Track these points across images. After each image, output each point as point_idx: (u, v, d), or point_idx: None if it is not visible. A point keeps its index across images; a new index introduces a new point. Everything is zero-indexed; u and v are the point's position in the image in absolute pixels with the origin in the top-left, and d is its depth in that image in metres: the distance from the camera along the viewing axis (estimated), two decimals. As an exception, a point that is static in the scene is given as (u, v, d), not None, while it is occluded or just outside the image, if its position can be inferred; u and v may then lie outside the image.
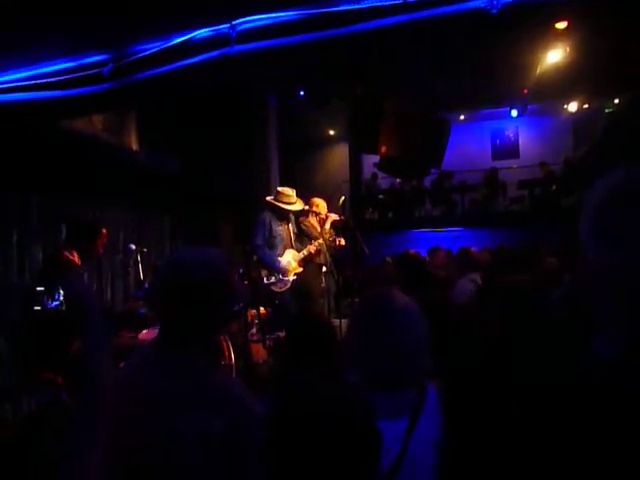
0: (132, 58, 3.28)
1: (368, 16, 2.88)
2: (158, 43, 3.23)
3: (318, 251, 4.64)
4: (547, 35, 5.10)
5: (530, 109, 10.36)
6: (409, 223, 10.89)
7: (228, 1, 3.19)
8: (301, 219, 4.80)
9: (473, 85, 8.17)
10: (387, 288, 1.41)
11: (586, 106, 9.99)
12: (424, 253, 4.79)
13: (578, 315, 1.54)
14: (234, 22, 3.06)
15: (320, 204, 4.79)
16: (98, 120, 5.67)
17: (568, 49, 6.33)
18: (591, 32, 4.97)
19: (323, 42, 3.02)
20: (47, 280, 2.57)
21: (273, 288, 4.49)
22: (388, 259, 5.37)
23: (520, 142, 12.28)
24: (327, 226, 4.73)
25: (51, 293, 2.46)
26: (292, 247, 4.59)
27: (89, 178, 5.10)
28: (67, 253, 2.70)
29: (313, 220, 4.75)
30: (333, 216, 4.78)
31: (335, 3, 2.91)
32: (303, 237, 4.76)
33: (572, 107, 10.03)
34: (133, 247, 4.68)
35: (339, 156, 12.00)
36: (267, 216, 4.48)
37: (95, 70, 3.34)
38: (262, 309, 4.30)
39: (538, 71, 7.27)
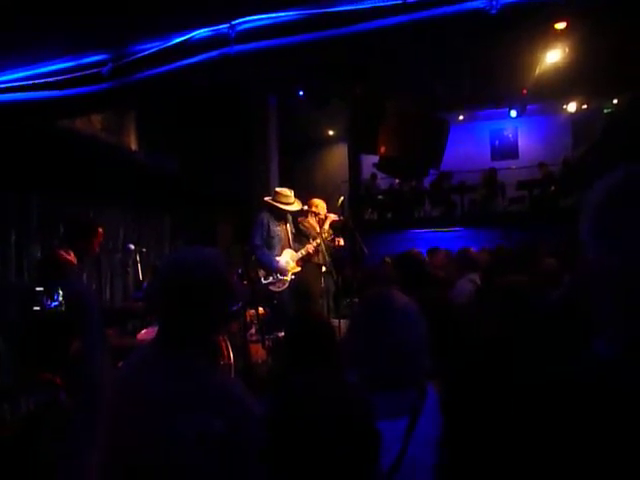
0: (131, 58, 3.28)
1: (368, 16, 2.88)
2: (157, 43, 3.23)
3: (316, 251, 4.64)
4: (546, 35, 5.11)
5: (529, 109, 10.36)
6: (408, 223, 10.89)
7: (228, 1, 3.19)
8: (300, 219, 4.80)
9: (472, 85, 8.18)
10: (386, 288, 1.41)
11: (585, 106, 10.00)
12: (424, 253, 4.79)
13: (577, 315, 1.54)
14: (234, 22, 3.06)
15: (319, 204, 4.79)
16: (97, 120, 5.66)
17: (567, 49, 6.34)
18: (590, 32, 4.98)
19: (323, 42, 3.02)
20: (44, 280, 2.57)
21: (271, 288, 4.49)
22: (387, 259, 5.37)
23: (519, 142, 12.29)
24: (326, 226, 4.73)
25: (50, 293, 2.46)
26: (290, 247, 4.59)
27: (88, 178, 5.10)
28: (63, 252, 2.69)
29: (312, 220, 4.75)
30: (332, 216, 4.78)
31: (335, 3, 2.91)
32: (302, 237, 4.76)
33: (571, 107, 10.04)
34: (132, 247, 4.68)
35: (338, 156, 12.01)
36: (265, 216, 4.49)
37: (94, 70, 3.34)
38: (261, 309, 4.30)
39: (537, 71, 7.27)
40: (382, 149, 4.89)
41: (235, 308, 3.81)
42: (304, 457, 0.79)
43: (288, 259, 4.54)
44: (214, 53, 3.13)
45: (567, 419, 0.60)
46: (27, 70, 3.42)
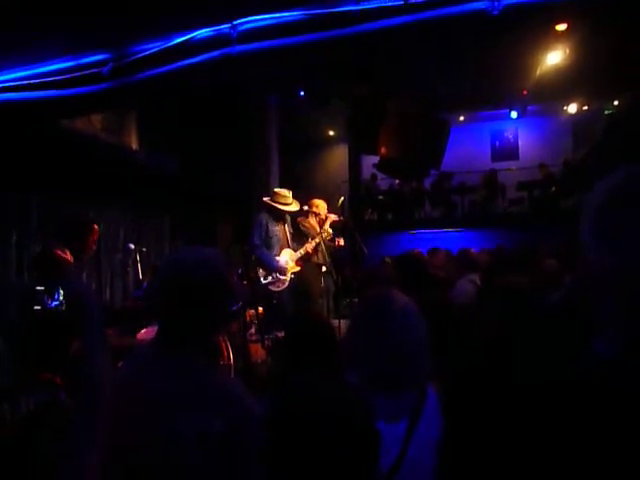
0: (132, 58, 3.28)
1: (370, 17, 2.88)
2: (158, 43, 3.23)
3: (316, 250, 4.65)
4: (547, 37, 5.11)
5: (530, 110, 10.36)
6: (408, 224, 10.89)
7: (229, 1, 3.19)
8: (300, 219, 4.80)
9: (473, 86, 8.19)
10: (386, 289, 1.41)
11: (586, 108, 10.00)
12: (424, 254, 4.78)
13: (577, 316, 1.54)
14: (235, 22, 3.07)
15: (320, 205, 4.80)
16: (98, 120, 5.67)
17: (568, 51, 6.35)
18: (591, 34, 4.98)
19: (324, 42, 3.02)
20: (41, 279, 2.57)
21: (271, 288, 4.50)
22: (387, 259, 5.37)
23: (519, 143, 12.29)
24: (326, 226, 4.74)
25: (50, 292, 2.46)
26: (289, 247, 4.62)
27: (88, 178, 5.10)
28: (59, 251, 2.69)
29: (313, 220, 4.76)
30: (333, 217, 4.79)
31: (336, 4, 2.92)
32: (302, 237, 4.77)
33: (572, 109, 10.04)
34: (132, 247, 4.69)
35: (339, 157, 12.01)
36: (264, 217, 4.53)
37: (95, 70, 3.34)
38: (260, 309, 4.31)
39: (538, 72, 7.28)
40: (382, 150, 4.89)
41: (235, 308, 3.81)
42: (304, 457, 0.79)
43: (287, 259, 4.56)
44: (215, 53, 3.14)
45: (567, 419, 0.60)
46: (27, 70, 3.43)
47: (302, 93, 6.63)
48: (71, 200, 5.24)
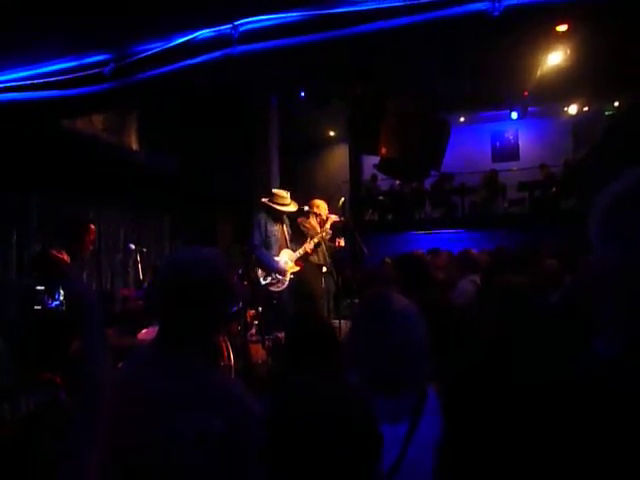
0: (134, 58, 3.29)
1: (370, 18, 2.88)
2: (160, 43, 3.23)
3: (316, 250, 4.66)
4: (548, 37, 5.11)
5: (530, 111, 10.36)
6: (409, 225, 10.89)
7: (230, 1, 3.19)
8: (301, 220, 4.81)
9: (473, 87, 8.18)
10: (386, 289, 1.41)
11: (586, 109, 10.00)
12: (426, 255, 4.79)
13: (577, 316, 1.54)
14: (236, 23, 3.07)
15: (321, 205, 4.80)
16: (98, 120, 5.67)
17: (568, 52, 6.35)
18: (591, 35, 4.97)
19: (325, 43, 3.02)
20: (40, 279, 2.57)
21: (271, 288, 4.52)
22: (387, 260, 5.37)
23: (520, 144, 12.29)
24: (327, 227, 4.75)
25: (51, 292, 2.46)
26: (287, 247, 4.64)
27: (89, 178, 5.11)
28: (56, 252, 2.70)
29: (313, 221, 4.77)
30: (333, 217, 4.80)
31: (337, 5, 2.92)
32: (302, 238, 4.78)
33: (572, 109, 10.04)
34: (133, 247, 4.69)
35: (339, 157, 12.01)
36: (262, 217, 4.57)
37: (96, 70, 3.35)
38: (260, 309, 4.32)
39: (538, 73, 7.28)
40: (383, 150, 4.89)
41: (235, 309, 3.81)
42: (304, 457, 0.79)
43: (287, 259, 4.58)
44: (217, 54, 3.14)
45: (567, 419, 0.60)
46: (29, 70, 3.43)
47: (302, 93, 6.63)
48: (71, 200, 5.24)
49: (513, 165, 11.63)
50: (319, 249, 4.69)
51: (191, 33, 3.16)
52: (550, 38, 5.18)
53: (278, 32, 3.02)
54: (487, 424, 1.12)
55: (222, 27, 3.11)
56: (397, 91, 5.98)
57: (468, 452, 1.14)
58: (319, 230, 4.70)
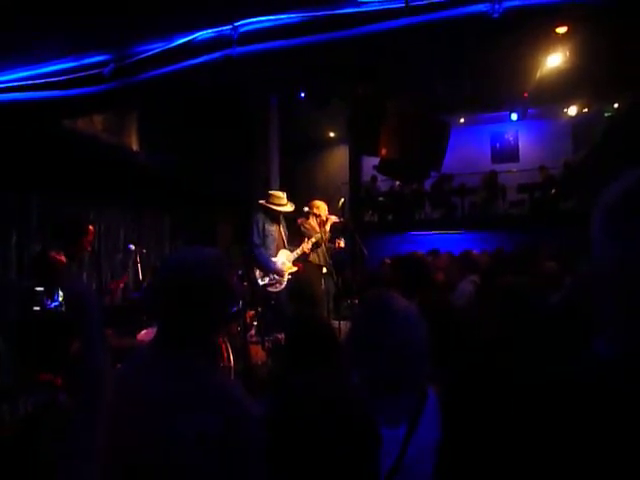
0: (133, 59, 3.29)
1: (370, 19, 2.89)
2: (160, 44, 3.24)
3: (316, 251, 4.67)
4: (547, 39, 5.12)
5: (530, 113, 10.38)
6: (408, 226, 10.89)
7: (230, 2, 3.20)
8: (301, 220, 4.82)
9: (473, 88, 8.19)
10: (386, 290, 1.41)
11: (586, 110, 10.01)
12: (426, 256, 4.79)
13: (577, 317, 1.54)
14: (236, 24, 3.08)
15: (321, 206, 4.81)
16: (99, 121, 5.67)
17: (568, 53, 6.36)
18: (591, 36, 4.99)
19: (324, 44, 3.03)
20: (40, 281, 2.57)
21: (269, 289, 4.53)
22: (387, 261, 5.37)
23: (520, 145, 12.30)
24: (327, 227, 4.75)
25: (50, 293, 2.46)
26: (285, 247, 4.66)
27: (89, 178, 5.11)
28: (54, 253, 2.70)
29: (313, 222, 4.77)
30: (333, 218, 4.80)
31: (337, 6, 2.92)
32: (301, 238, 4.79)
33: (572, 111, 10.05)
34: (132, 247, 4.69)
35: (339, 158, 12.01)
36: (260, 217, 4.63)
37: (96, 70, 3.35)
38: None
39: (538, 75, 7.29)
40: (383, 151, 4.90)
41: (235, 309, 3.81)
42: (304, 457, 0.79)
43: (284, 260, 4.61)
44: (216, 54, 3.15)
45: (567, 419, 0.60)
46: (29, 70, 3.43)
47: (302, 94, 6.64)
48: (71, 200, 5.24)
49: (513, 166, 11.64)
50: (319, 250, 4.69)
51: (191, 34, 3.16)
52: (550, 40, 5.20)
53: (277, 33, 3.03)
54: (487, 425, 1.12)
55: (222, 28, 3.12)
56: (398, 92, 5.99)
57: (467, 453, 1.14)
58: (319, 231, 4.71)
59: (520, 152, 12.23)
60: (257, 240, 4.54)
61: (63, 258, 2.72)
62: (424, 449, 1.15)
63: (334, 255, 4.86)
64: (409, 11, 2.79)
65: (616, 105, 9.48)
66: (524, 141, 12.21)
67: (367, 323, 1.29)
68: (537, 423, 0.62)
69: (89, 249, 3.04)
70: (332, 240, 4.85)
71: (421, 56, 4.73)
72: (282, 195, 4.67)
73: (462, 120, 11.05)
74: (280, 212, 4.63)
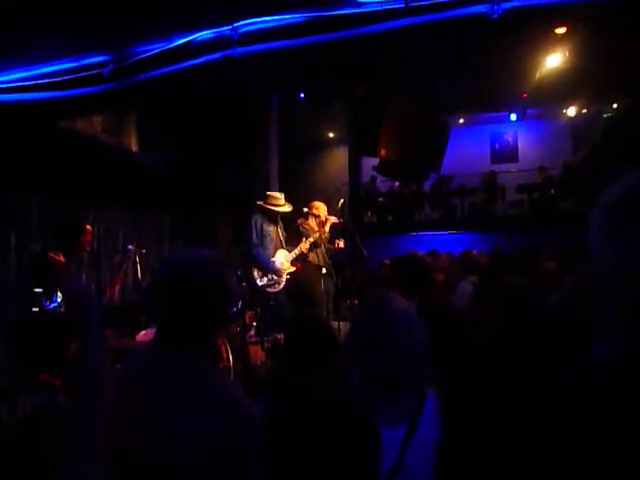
0: (133, 59, 3.29)
1: (370, 20, 2.89)
2: (159, 44, 3.24)
3: (315, 252, 4.68)
4: (547, 40, 5.13)
5: (529, 113, 10.39)
6: (408, 226, 10.90)
7: (230, 3, 3.20)
8: (301, 221, 4.82)
9: (473, 88, 8.19)
10: (386, 291, 1.41)
11: (585, 111, 10.02)
12: (426, 257, 4.79)
13: (577, 318, 1.54)
14: (236, 24, 3.08)
15: (320, 207, 4.81)
16: (98, 121, 5.67)
17: (567, 54, 6.37)
18: (590, 37, 4.99)
19: (323, 45, 3.03)
20: (39, 282, 2.57)
21: (268, 289, 4.54)
22: (387, 261, 5.37)
23: (519, 146, 12.31)
24: (326, 228, 4.75)
25: (49, 294, 2.46)
26: (282, 248, 4.68)
27: (89, 178, 5.11)
28: (52, 254, 2.70)
29: (313, 222, 4.77)
30: (333, 219, 4.80)
31: (337, 7, 2.93)
32: (297, 239, 4.80)
33: (571, 112, 10.07)
34: (132, 248, 4.69)
35: (339, 159, 12.02)
36: (258, 218, 4.65)
37: (96, 71, 3.35)
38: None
39: (537, 75, 7.30)
40: (382, 152, 4.90)
41: (234, 310, 3.81)
42: (304, 457, 0.79)
43: (282, 260, 4.62)
44: (216, 55, 3.15)
45: (567, 420, 0.60)
46: (29, 70, 3.43)
47: (302, 95, 6.65)
48: (71, 200, 5.24)
49: (512, 167, 11.65)
50: (318, 250, 4.70)
51: (191, 34, 3.16)
52: (549, 40, 5.20)
53: (278, 34, 3.03)
54: (486, 426, 1.12)
55: (222, 29, 3.12)
56: (397, 92, 5.99)
57: (467, 453, 1.14)
58: (317, 231, 4.72)
59: (519, 152, 12.24)
60: (255, 240, 4.56)
61: (62, 258, 2.72)
62: (424, 450, 1.15)
63: (334, 256, 4.86)
64: (408, 12, 2.79)
65: (615, 105, 9.49)
66: (523, 141, 12.22)
67: (367, 324, 1.29)
68: (537, 424, 0.62)
69: (88, 249, 3.04)
70: (332, 241, 4.84)
71: (421, 57, 4.73)
72: (280, 196, 4.69)
73: (461, 120, 11.06)
74: (278, 212, 4.65)
